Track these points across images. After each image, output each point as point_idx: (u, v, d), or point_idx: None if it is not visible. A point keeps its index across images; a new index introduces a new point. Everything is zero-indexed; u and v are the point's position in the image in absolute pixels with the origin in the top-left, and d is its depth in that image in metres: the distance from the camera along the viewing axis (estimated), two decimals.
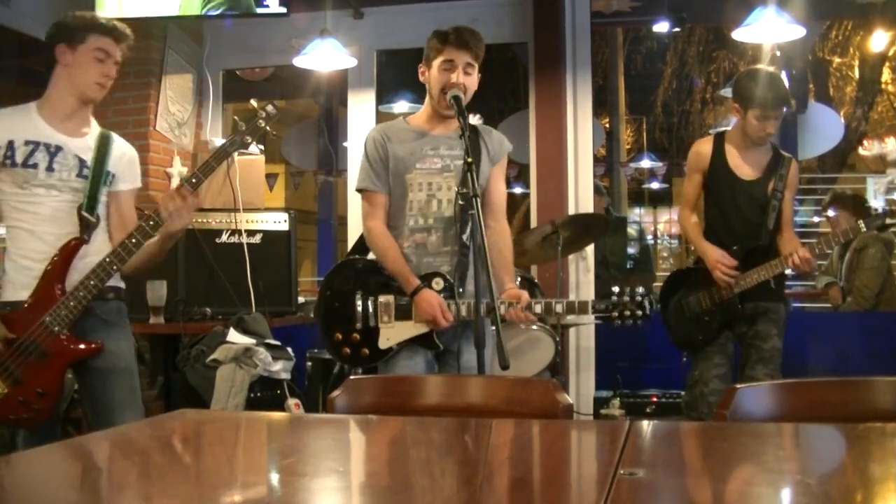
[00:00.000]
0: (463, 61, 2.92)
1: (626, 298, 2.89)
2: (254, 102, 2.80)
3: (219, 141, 4.58)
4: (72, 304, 2.69)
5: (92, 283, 2.70)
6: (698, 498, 1.23)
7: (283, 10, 4.50)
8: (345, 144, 5.82)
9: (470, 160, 2.71)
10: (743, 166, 3.53)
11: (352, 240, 5.24)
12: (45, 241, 2.75)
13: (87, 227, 2.77)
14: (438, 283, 2.90)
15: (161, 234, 2.80)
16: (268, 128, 2.83)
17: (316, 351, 4.26)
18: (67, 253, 2.73)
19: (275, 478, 1.39)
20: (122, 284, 2.92)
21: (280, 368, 3.81)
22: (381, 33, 5.31)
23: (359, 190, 3.04)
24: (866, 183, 8.90)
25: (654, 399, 4.49)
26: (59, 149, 2.77)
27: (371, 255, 3.07)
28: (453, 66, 2.92)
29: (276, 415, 2.84)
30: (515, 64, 8.74)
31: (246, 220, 4.34)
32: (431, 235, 2.94)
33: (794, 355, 4.21)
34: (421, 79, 3.07)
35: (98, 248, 2.80)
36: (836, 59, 11.50)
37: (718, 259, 3.44)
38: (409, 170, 2.96)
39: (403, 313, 2.89)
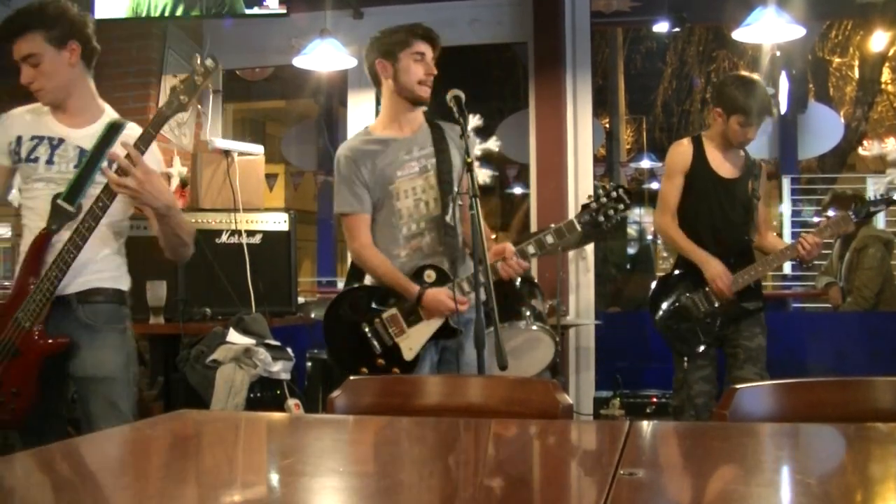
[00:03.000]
0: (430, 56, 2.90)
1: (604, 199, 2.84)
2: (197, 58, 2.56)
3: (219, 141, 4.58)
4: (38, 297, 2.54)
5: (54, 273, 2.54)
6: (698, 498, 1.23)
7: (283, 10, 4.49)
8: None
9: (470, 160, 2.69)
10: (723, 166, 3.56)
11: None
12: None
13: (58, 217, 2.59)
14: (431, 276, 2.88)
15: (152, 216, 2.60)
16: (209, 85, 2.62)
17: (316, 351, 4.26)
18: (35, 247, 2.60)
19: (275, 478, 1.39)
20: (117, 286, 2.72)
21: (280, 369, 3.81)
22: None
23: (339, 214, 2.97)
24: (866, 183, 8.88)
25: (654, 399, 4.49)
26: (61, 141, 2.66)
27: (365, 280, 3.05)
28: (424, 58, 2.89)
29: (276, 415, 2.84)
30: (515, 64, 8.75)
31: (246, 220, 4.33)
32: (425, 237, 2.94)
33: (794, 355, 4.21)
34: (382, 74, 2.96)
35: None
36: (836, 59, 11.49)
37: (722, 273, 3.45)
38: (392, 180, 2.93)
39: (413, 317, 2.88)
